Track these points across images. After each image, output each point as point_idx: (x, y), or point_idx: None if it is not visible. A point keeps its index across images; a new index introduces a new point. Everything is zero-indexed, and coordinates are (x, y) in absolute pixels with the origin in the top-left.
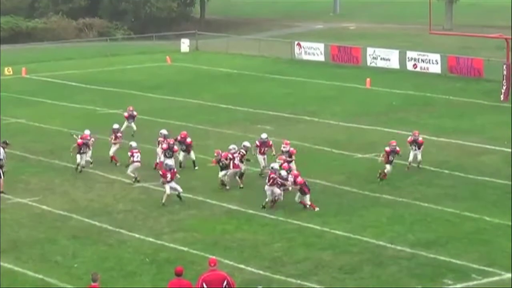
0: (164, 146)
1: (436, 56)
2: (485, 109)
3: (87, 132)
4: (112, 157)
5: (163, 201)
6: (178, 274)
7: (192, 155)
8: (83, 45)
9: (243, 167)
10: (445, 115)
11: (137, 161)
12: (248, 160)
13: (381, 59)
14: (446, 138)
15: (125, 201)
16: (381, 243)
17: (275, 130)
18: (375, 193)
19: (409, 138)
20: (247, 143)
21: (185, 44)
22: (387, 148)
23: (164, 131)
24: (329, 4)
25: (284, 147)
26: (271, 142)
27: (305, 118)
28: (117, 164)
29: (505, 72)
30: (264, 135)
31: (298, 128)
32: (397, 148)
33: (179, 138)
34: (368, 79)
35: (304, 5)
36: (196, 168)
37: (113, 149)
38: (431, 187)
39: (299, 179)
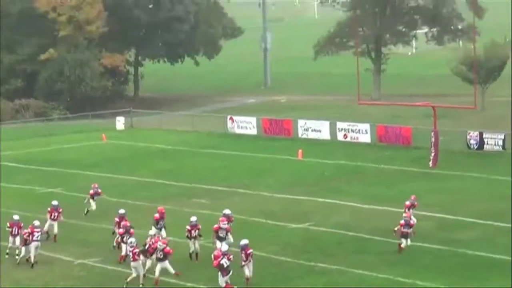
0: (121, 230)
1: (366, 126)
2: (415, 176)
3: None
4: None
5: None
6: None
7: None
8: (19, 126)
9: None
10: (376, 183)
11: (36, 240)
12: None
13: (312, 130)
14: (378, 206)
15: (66, 279)
16: None
17: (210, 203)
18: (310, 262)
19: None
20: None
21: (120, 122)
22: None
23: (121, 211)
24: (260, 78)
25: (223, 224)
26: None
27: (240, 190)
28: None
29: (433, 139)
30: (193, 218)
31: (233, 200)
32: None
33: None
34: (300, 151)
35: (236, 80)
36: None
37: (47, 225)
38: (365, 254)
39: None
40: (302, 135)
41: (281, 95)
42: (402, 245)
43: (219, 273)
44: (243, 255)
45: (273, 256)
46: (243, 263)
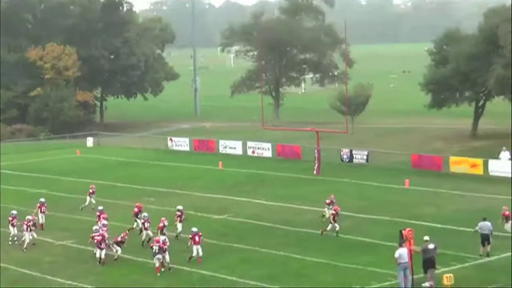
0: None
1: (268, 145)
2: (304, 181)
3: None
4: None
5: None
6: None
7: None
8: (15, 144)
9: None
10: (276, 187)
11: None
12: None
13: (229, 147)
14: (278, 203)
15: (50, 255)
16: (234, 278)
17: (157, 201)
18: (228, 243)
19: (328, 201)
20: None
21: (90, 141)
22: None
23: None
24: (192, 109)
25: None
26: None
27: (177, 191)
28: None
29: (316, 155)
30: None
31: (173, 199)
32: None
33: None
34: (220, 162)
35: (174, 111)
36: None
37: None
38: (269, 237)
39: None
40: (222, 151)
41: (207, 122)
42: (328, 228)
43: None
44: (195, 238)
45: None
46: (193, 244)
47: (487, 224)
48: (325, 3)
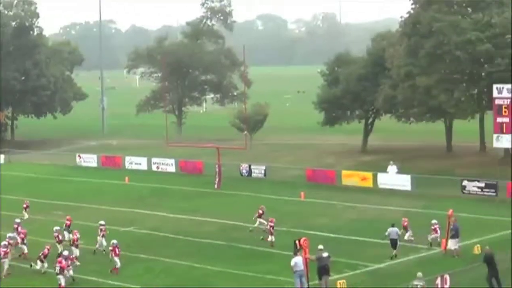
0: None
1: (172, 161)
2: (206, 195)
3: None
4: None
5: None
6: None
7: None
8: None
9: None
10: (179, 200)
11: None
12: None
13: (135, 163)
14: (181, 215)
15: None
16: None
17: (64, 214)
18: (134, 253)
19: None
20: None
21: (1, 158)
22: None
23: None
24: (99, 128)
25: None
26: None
27: (85, 205)
28: None
29: (217, 170)
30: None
31: (81, 212)
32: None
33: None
34: (127, 177)
35: (82, 129)
36: None
37: None
38: (171, 248)
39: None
40: (128, 166)
41: (114, 139)
42: (268, 239)
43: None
44: (116, 250)
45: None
46: (114, 256)
47: (395, 230)
48: (225, 28)
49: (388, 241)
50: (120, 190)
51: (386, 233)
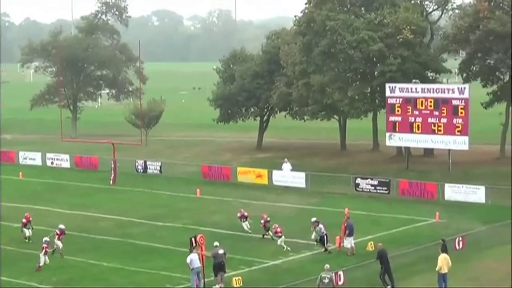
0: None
1: (67, 156)
2: (101, 190)
3: None
4: None
5: None
6: None
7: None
8: None
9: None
10: (74, 195)
11: None
12: None
13: (29, 159)
14: (75, 211)
15: None
16: (33, 284)
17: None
18: (28, 249)
19: (239, 214)
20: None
21: None
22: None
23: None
24: None
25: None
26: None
27: None
28: None
29: (112, 165)
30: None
31: None
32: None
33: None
34: (20, 173)
35: None
36: None
37: None
38: (67, 244)
39: None
40: (22, 162)
41: (7, 134)
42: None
43: None
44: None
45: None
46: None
47: (322, 226)
48: (120, 23)
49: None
50: (14, 185)
51: (319, 230)
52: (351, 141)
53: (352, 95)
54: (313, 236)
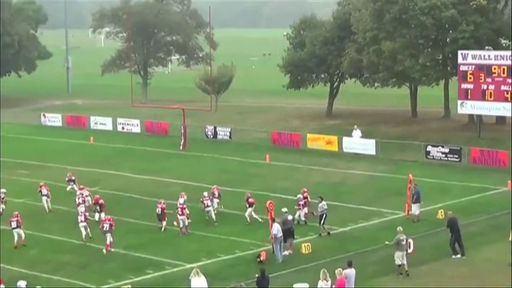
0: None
1: (137, 121)
2: (171, 156)
3: None
4: None
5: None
6: None
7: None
8: None
9: None
10: (144, 160)
11: None
12: None
13: (100, 124)
14: (145, 176)
15: None
16: (102, 247)
17: (29, 173)
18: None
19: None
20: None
21: None
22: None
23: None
24: (64, 87)
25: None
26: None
27: (50, 165)
28: None
29: (182, 131)
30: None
31: (45, 172)
32: None
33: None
34: (92, 137)
35: (47, 88)
36: None
37: None
38: (136, 209)
39: None
40: (93, 127)
41: (78, 99)
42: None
43: None
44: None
45: (73, 209)
46: None
47: (324, 203)
48: None
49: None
50: (85, 150)
51: (319, 209)
52: (422, 109)
53: (423, 62)
54: (297, 215)
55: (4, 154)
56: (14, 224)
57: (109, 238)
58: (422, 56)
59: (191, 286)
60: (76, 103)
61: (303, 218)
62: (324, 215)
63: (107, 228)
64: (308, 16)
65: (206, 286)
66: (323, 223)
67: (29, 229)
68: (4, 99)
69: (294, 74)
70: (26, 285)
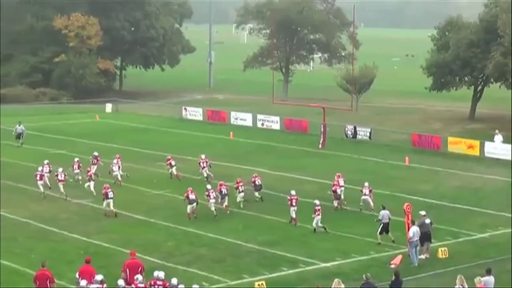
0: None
1: (277, 118)
2: (310, 154)
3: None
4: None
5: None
6: (87, 262)
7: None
8: (39, 106)
9: None
10: (283, 157)
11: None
12: None
13: (240, 119)
14: (282, 173)
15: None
16: (238, 242)
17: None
18: (234, 208)
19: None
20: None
21: (108, 107)
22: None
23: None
24: (206, 82)
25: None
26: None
27: (188, 158)
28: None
29: (322, 129)
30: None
31: (184, 164)
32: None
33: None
34: (231, 133)
35: (189, 82)
36: None
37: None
38: (273, 205)
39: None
40: (233, 122)
41: (219, 94)
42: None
43: None
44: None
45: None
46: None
47: (387, 212)
48: None
49: (380, 225)
50: (224, 145)
51: (380, 217)
52: None
53: None
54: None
55: (144, 146)
56: (111, 194)
57: (226, 201)
58: None
59: None
60: (217, 97)
61: (320, 225)
62: (381, 224)
63: (225, 192)
64: (454, 17)
65: None
66: (380, 232)
67: (167, 221)
68: (147, 91)
69: (437, 76)
70: (102, 280)
